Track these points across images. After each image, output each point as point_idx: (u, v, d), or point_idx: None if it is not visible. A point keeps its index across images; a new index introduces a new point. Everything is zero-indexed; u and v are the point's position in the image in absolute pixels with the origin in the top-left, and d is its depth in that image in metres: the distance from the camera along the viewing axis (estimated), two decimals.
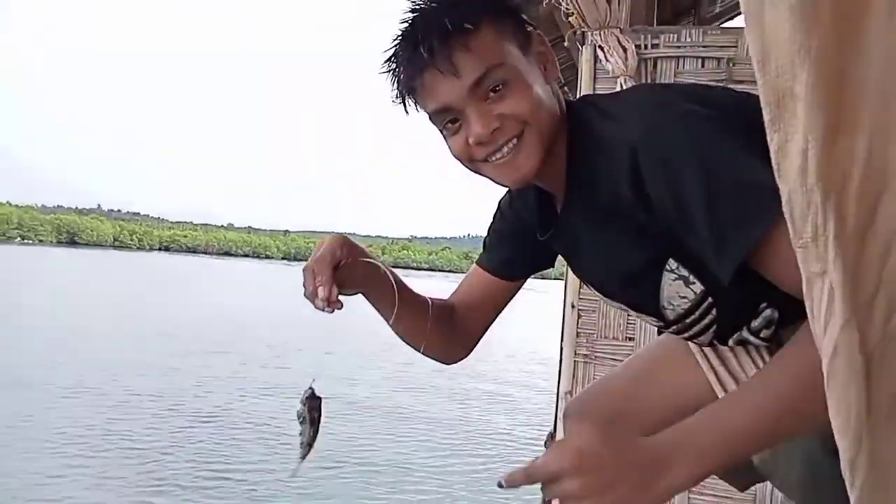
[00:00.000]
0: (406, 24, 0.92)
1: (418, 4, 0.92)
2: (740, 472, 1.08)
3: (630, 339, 2.63)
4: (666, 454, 0.73)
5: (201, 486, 5.66)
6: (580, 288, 2.70)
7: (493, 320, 1.20)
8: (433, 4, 0.91)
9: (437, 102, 0.91)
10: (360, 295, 1.03)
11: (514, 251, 1.17)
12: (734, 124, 0.80)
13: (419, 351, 1.12)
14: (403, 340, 1.13)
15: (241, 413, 8.16)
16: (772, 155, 0.57)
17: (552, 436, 2.63)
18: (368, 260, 1.01)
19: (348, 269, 0.97)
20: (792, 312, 0.84)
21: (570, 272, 2.72)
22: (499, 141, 0.91)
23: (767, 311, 0.94)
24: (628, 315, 2.65)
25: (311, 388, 0.95)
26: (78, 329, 14.08)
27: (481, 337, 1.21)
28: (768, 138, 0.57)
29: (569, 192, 0.96)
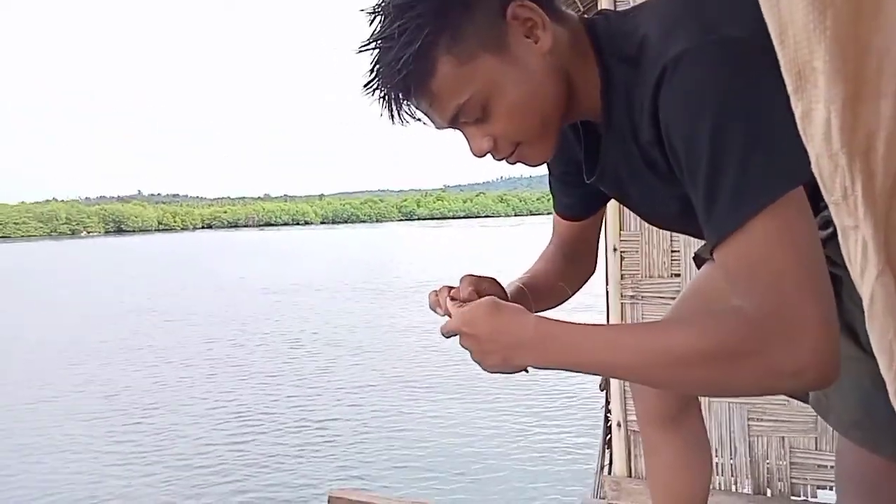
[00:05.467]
0: (370, 84, 0.86)
1: (370, 67, 0.85)
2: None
3: (676, 275, 2.64)
4: (532, 338, 0.84)
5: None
6: (620, 230, 2.71)
7: (599, 235, 1.23)
8: (379, 67, 0.83)
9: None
10: None
11: (573, 193, 1.13)
12: (768, 59, 0.75)
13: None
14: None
15: None
16: (797, 120, 0.59)
17: (607, 381, 2.69)
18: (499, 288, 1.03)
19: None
20: None
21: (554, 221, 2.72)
22: (499, 155, 0.90)
23: (826, 211, 0.87)
24: (672, 251, 2.66)
25: None
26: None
27: (597, 249, 1.24)
28: (793, 104, 0.59)
29: (607, 128, 0.90)
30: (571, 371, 0.85)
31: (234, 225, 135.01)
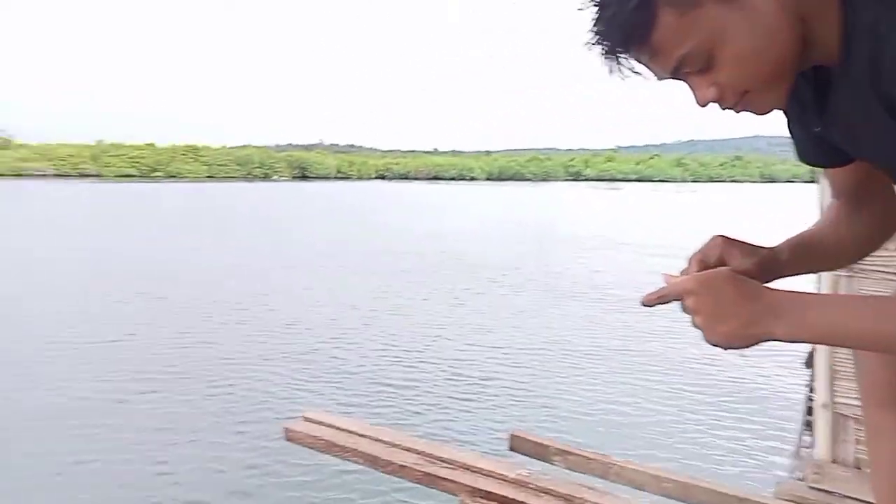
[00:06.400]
0: (591, 39, 0.86)
1: (591, 22, 0.85)
2: None
3: None
4: (780, 309, 0.82)
5: None
6: None
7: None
8: (599, 22, 0.83)
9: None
10: None
11: (813, 142, 1.02)
12: None
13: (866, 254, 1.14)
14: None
15: None
16: None
17: (811, 355, 2.48)
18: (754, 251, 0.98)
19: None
20: None
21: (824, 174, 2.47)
22: (725, 104, 0.87)
23: None
24: None
25: None
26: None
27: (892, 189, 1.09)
28: None
29: (843, 74, 0.83)
30: (821, 343, 0.82)
31: (405, 177, 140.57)
